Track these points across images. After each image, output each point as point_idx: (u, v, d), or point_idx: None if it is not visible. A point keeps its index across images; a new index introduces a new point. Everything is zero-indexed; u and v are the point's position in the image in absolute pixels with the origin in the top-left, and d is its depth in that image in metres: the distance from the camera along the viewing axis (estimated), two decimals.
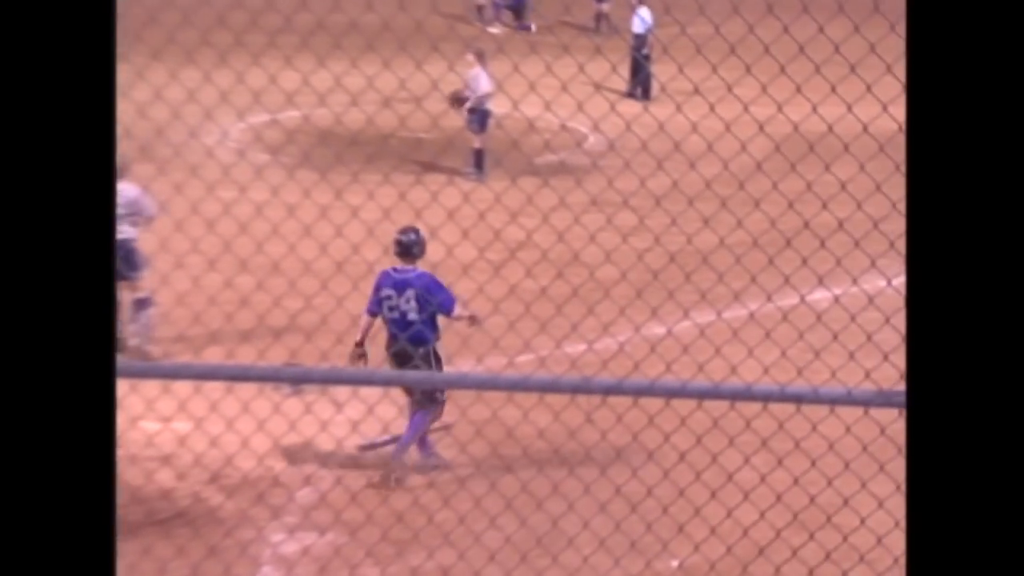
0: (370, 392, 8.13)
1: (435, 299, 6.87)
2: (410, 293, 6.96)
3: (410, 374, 5.94)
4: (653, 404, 3.97)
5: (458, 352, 7.80)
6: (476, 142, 12.74)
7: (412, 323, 6.90)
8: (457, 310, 7.01)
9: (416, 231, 6.96)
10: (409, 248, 6.94)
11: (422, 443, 7.17)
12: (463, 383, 3.65)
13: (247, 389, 3.88)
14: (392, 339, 7.10)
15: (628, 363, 5.50)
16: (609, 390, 3.31)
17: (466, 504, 5.60)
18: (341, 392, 4.74)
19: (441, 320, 7.01)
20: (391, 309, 7.01)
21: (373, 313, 7.12)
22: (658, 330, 7.46)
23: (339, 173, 4.95)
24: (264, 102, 4.42)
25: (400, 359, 6.84)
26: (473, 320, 7.02)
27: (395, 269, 7.01)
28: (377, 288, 7.09)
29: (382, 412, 7.55)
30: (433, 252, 7.86)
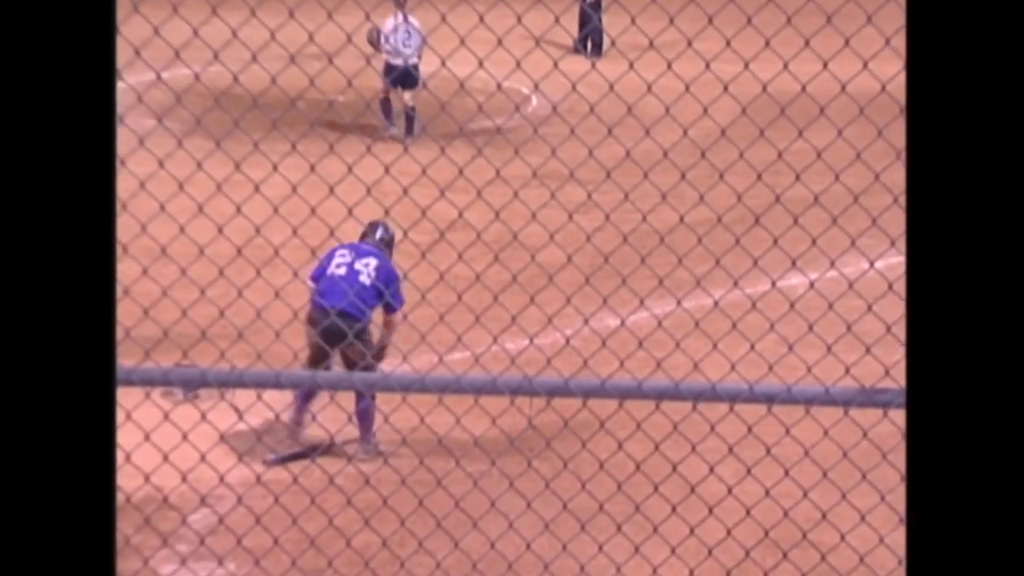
0: (277, 397, 8.09)
1: (390, 280, 7.23)
2: (372, 261, 7.33)
3: (323, 375, 5.92)
4: (605, 407, 3.99)
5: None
6: (383, 93, 12.73)
7: (360, 285, 7.15)
8: (395, 317, 7.26)
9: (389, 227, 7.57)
10: (382, 237, 7.52)
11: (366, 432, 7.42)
12: (385, 385, 3.64)
13: (130, 395, 3.82)
14: (317, 311, 7.26)
15: (576, 360, 5.53)
16: (554, 391, 3.32)
17: (390, 525, 5.59)
18: (243, 397, 4.70)
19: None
20: (339, 265, 7.29)
21: (316, 279, 7.39)
22: (610, 321, 7.51)
23: (237, 141, 4.90)
24: (147, 58, 4.35)
25: (338, 332, 6.90)
26: (380, 348, 7.26)
27: (365, 243, 7.48)
28: (331, 252, 7.41)
29: (325, 417, 7.48)
30: (352, 233, 7.84)
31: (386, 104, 12.88)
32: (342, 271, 7.27)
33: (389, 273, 7.31)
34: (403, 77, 12.60)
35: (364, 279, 7.24)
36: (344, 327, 6.65)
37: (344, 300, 7.06)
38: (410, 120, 12.76)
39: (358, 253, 7.35)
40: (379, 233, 7.56)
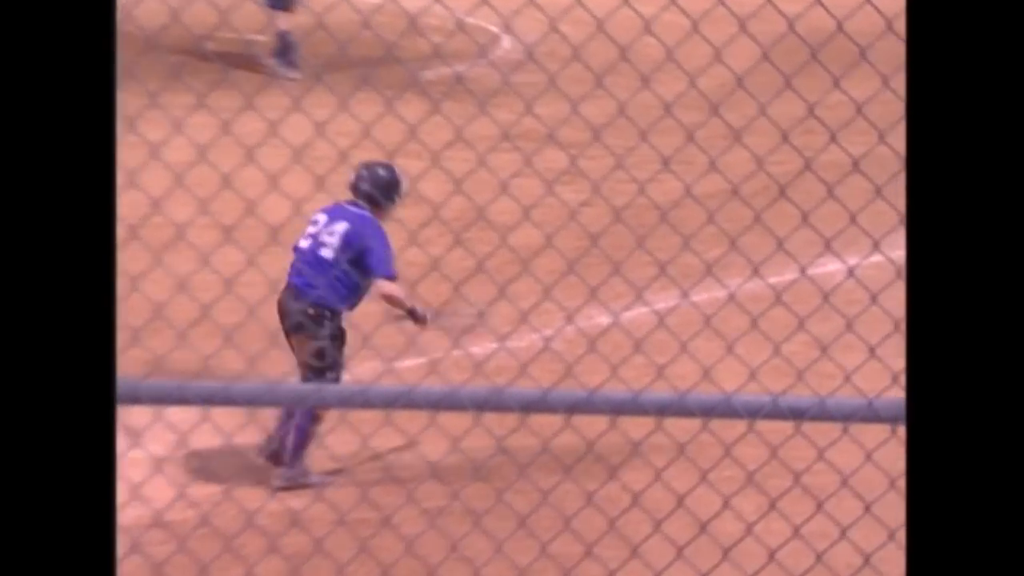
0: (180, 415, 8.04)
1: (364, 247, 6.97)
2: (341, 226, 7.07)
3: (239, 388, 5.91)
4: (593, 425, 4.00)
5: None
6: (282, 22, 12.51)
7: (322, 263, 7.04)
8: (389, 287, 7.02)
9: (390, 168, 7.13)
10: (376, 182, 7.10)
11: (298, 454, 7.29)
12: (320, 398, 3.63)
13: None
14: (291, 289, 7.17)
15: (557, 366, 5.53)
16: (530, 406, 3.32)
17: (324, 575, 5.58)
18: (181, 415, 4.68)
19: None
20: (307, 236, 7.21)
21: (295, 249, 7.38)
22: (599, 319, 7.52)
23: (131, 93, 4.87)
24: None
25: (290, 314, 6.92)
26: (416, 318, 7.02)
27: (349, 202, 7.25)
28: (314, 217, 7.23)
29: (243, 440, 7.42)
30: (275, 208, 7.81)
31: (284, 38, 12.64)
32: (309, 243, 7.15)
33: (361, 234, 7.02)
34: None
35: (327, 253, 7.07)
36: (298, 309, 6.69)
37: (301, 278, 7.05)
38: (287, 47, 12.45)
39: (332, 217, 7.14)
40: (367, 184, 7.13)
